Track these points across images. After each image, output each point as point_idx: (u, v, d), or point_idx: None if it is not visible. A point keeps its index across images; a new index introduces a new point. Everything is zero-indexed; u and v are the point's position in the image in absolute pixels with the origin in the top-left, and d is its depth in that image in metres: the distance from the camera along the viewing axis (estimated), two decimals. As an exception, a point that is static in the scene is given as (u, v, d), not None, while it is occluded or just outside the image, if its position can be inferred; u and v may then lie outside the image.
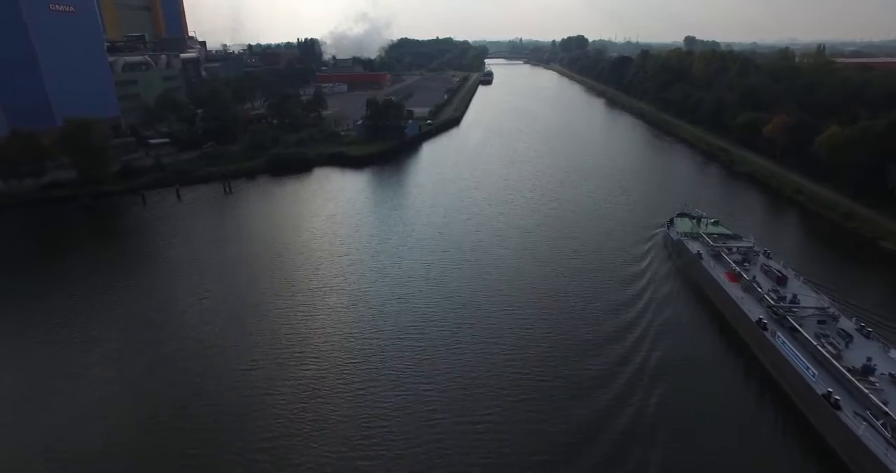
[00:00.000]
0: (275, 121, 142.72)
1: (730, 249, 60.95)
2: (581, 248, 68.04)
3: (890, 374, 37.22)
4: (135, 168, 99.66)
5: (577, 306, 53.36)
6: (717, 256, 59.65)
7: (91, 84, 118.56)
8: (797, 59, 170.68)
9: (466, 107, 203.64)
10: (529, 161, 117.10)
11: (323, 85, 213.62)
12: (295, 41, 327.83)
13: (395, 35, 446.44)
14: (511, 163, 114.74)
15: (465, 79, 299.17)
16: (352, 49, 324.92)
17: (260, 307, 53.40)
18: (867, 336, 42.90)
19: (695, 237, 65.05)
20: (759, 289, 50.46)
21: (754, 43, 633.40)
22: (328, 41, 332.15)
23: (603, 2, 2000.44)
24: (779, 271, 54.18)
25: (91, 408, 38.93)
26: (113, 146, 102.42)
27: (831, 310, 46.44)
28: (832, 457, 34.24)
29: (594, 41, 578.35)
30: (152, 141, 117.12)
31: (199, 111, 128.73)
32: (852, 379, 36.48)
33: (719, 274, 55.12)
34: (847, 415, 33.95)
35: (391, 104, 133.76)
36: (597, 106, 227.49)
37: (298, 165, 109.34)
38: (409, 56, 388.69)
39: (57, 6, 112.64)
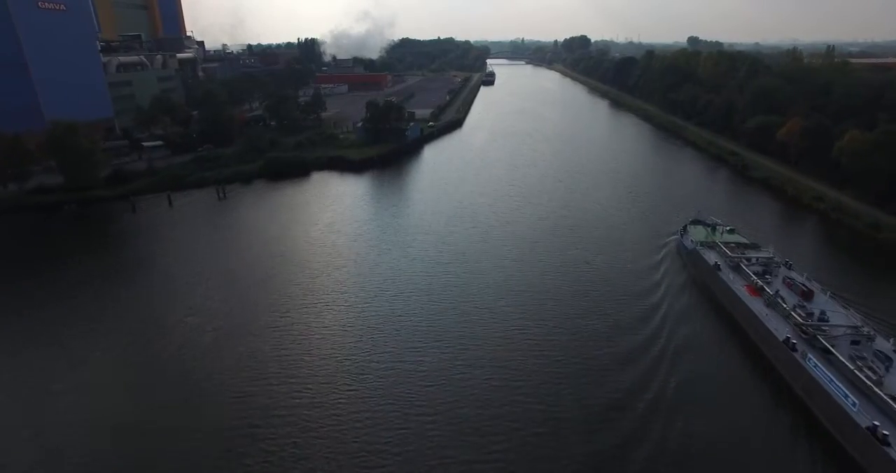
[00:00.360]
0: (272, 124, 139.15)
1: (749, 260, 57.93)
2: (592, 259, 64.71)
3: None
4: (126, 172, 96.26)
5: (589, 326, 49.78)
6: (735, 268, 56.64)
7: (83, 84, 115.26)
8: (806, 61, 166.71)
9: (469, 108, 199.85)
10: (535, 164, 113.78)
11: (322, 86, 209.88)
12: (295, 41, 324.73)
13: (396, 35, 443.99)
14: (516, 167, 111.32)
15: (467, 79, 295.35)
16: (353, 49, 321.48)
17: (250, 325, 49.72)
18: None
19: (710, 246, 62.29)
20: (784, 305, 47.31)
21: (756, 43, 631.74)
22: (328, 40, 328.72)
23: (604, 2, 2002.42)
24: (803, 284, 51.14)
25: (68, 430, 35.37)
26: (105, 149, 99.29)
27: (865, 330, 43.42)
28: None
29: (597, 41, 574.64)
30: (146, 143, 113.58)
31: (195, 113, 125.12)
32: None
33: (739, 288, 52.35)
34: None
35: (392, 106, 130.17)
36: (601, 107, 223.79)
37: (296, 169, 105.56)
38: (410, 56, 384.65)
39: (46, 4, 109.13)
